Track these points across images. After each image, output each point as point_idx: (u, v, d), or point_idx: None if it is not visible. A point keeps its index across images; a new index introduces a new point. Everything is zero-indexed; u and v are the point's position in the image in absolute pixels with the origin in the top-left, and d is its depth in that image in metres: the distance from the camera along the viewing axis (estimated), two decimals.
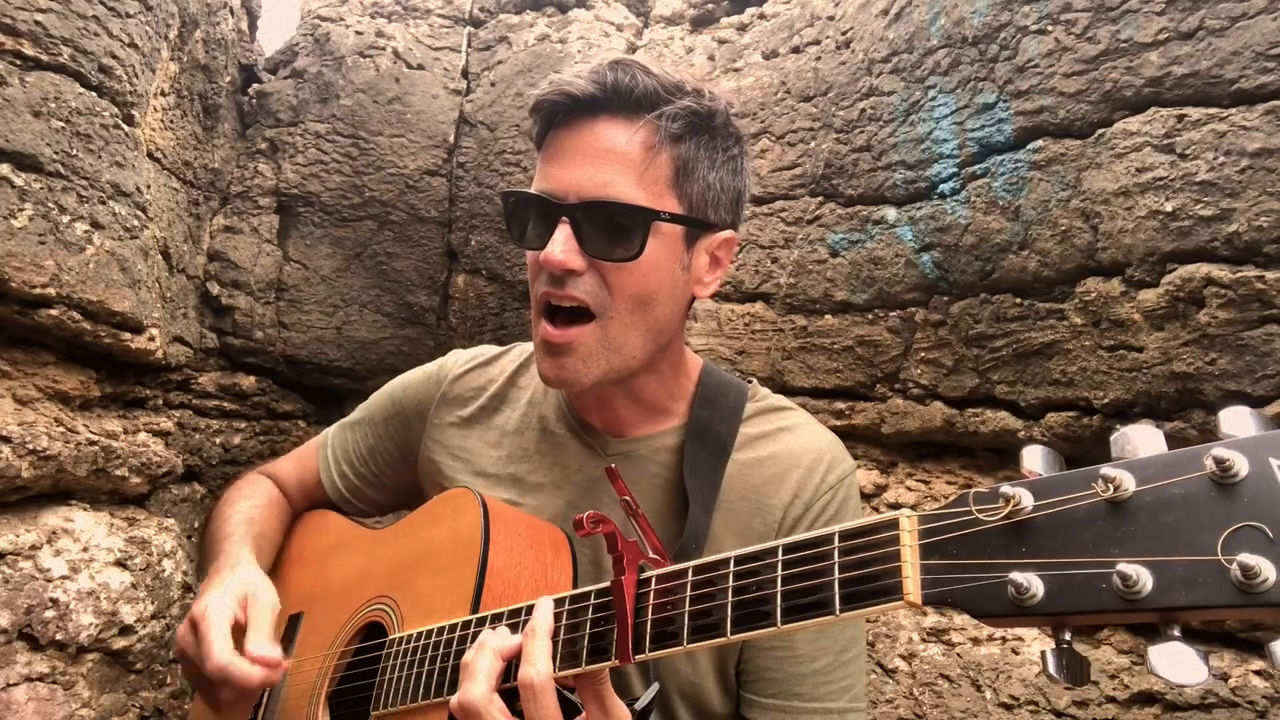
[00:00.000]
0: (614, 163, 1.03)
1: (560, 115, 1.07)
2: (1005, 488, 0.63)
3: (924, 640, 2.18)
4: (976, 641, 2.10)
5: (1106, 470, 0.59)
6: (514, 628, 0.93)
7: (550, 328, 1.06)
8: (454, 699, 0.88)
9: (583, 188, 1.03)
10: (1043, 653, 0.61)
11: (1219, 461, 0.54)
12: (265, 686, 1.07)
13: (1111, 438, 0.62)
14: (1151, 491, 0.57)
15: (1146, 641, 1.92)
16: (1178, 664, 0.54)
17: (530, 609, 0.92)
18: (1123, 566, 0.55)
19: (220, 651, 1.04)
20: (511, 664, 0.89)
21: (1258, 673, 1.70)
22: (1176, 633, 0.55)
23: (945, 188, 2.17)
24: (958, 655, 2.11)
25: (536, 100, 1.09)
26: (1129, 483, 0.58)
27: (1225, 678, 1.71)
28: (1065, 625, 0.61)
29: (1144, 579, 0.55)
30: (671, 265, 1.08)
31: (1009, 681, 1.99)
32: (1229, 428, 0.57)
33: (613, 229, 1.03)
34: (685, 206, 1.08)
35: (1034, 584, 0.59)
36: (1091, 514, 0.59)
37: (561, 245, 1.02)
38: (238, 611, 1.10)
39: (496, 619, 0.96)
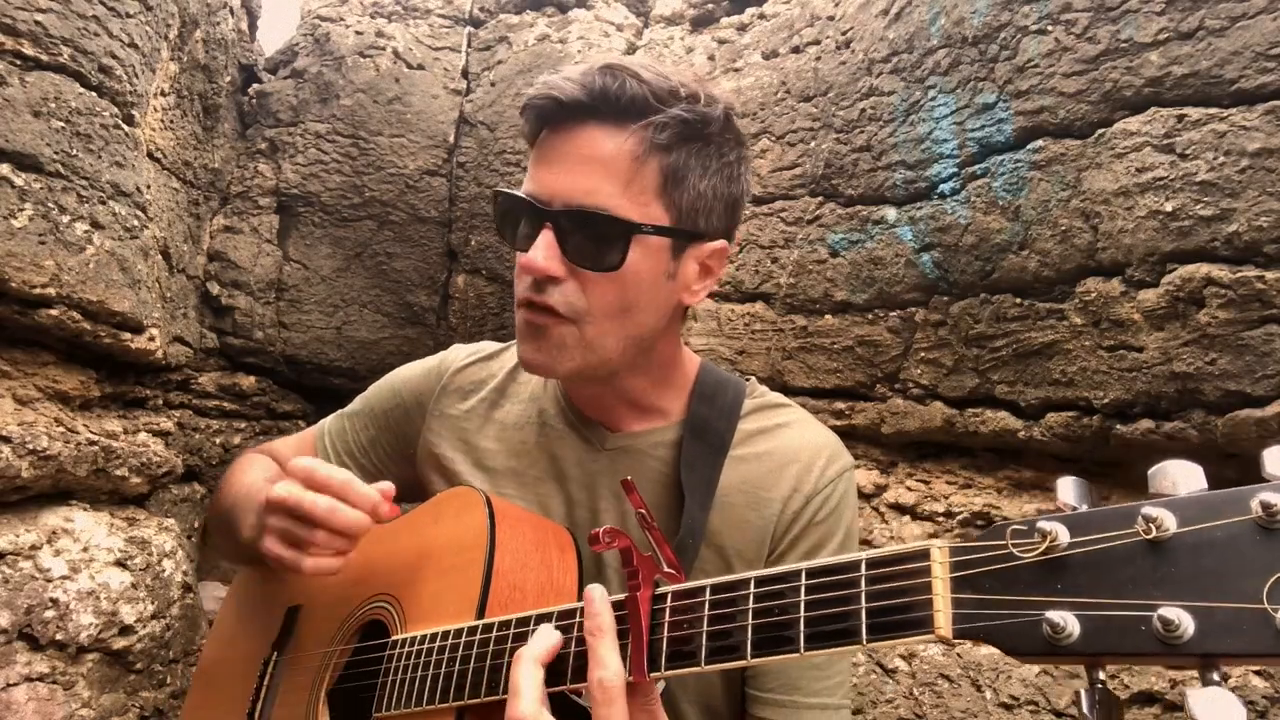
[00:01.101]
0: (599, 170, 1.02)
1: (549, 117, 1.07)
2: (1042, 523, 0.61)
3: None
4: (977, 641, 2.10)
5: (1148, 510, 0.57)
6: (521, 637, 0.92)
7: (530, 313, 1.07)
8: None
9: (567, 194, 1.03)
10: (1076, 692, 0.60)
11: (1266, 506, 0.53)
12: (382, 508, 1.09)
13: (1150, 472, 0.60)
14: (1194, 533, 0.56)
15: None
16: (1219, 710, 0.53)
17: (541, 618, 0.92)
18: (1164, 610, 0.54)
19: (338, 470, 1.07)
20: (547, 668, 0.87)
21: (1258, 673, 1.70)
22: (1216, 677, 0.55)
23: (945, 188, 2.18)
24: (958, 655, 2.11)
25: (526, 101, 1.09)
26: (1170, 523, 0.57)
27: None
28: (1100, 665, 0.60)
29: (1186, 624, 0.54)
30: (655, 275, 1.07)
31: (1009, 681, 1.99)
32: (1274, 468, 0.55)
33: (594, 239, 1.03)
34: (673, 216, 1.06)
35: (1070, 623, 0.58)
36: (1130, 553, 0.58)
37: (544, 251, 1.02)
38: None
39: (505, 626, 0.96)
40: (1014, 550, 0.62)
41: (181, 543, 2.39)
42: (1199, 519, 0.56)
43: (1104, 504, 0.62)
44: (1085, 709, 0.59)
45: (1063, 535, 0.61)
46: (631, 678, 0.81)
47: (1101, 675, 0.60)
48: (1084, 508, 0.63)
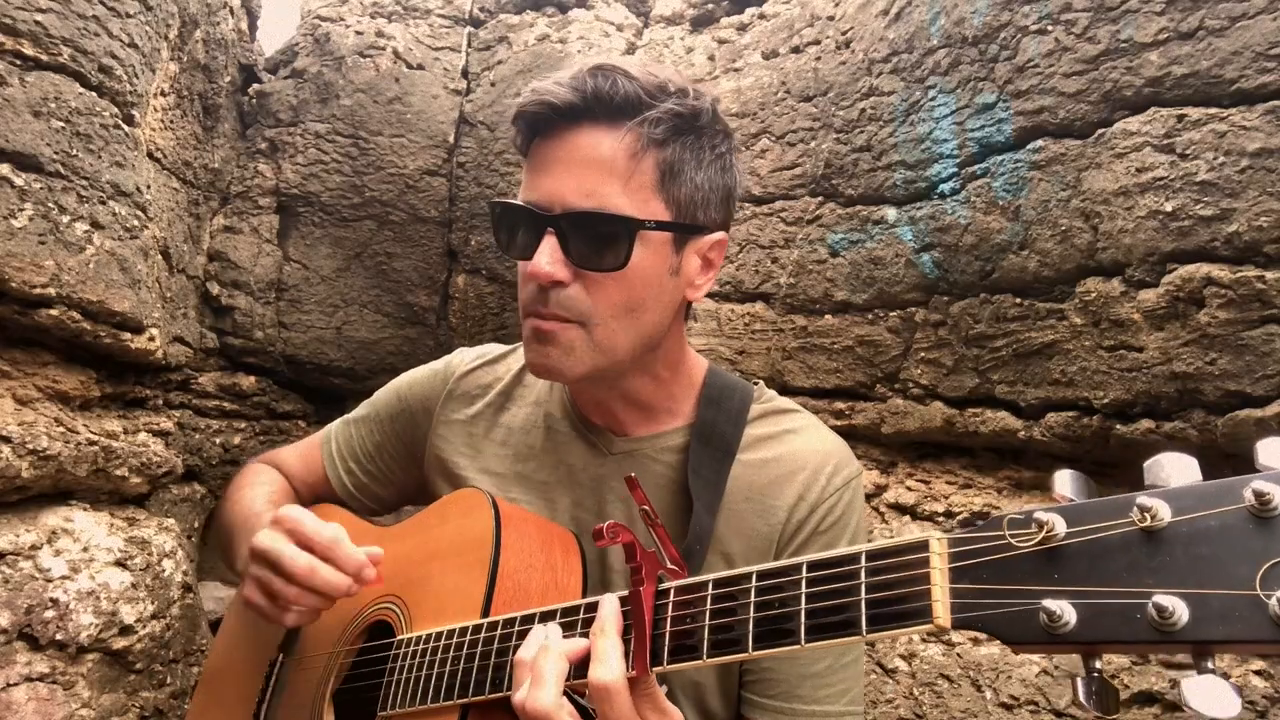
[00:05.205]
0: (598, 171, 1.02)
1: (542, 124, 1.06)
2: (1039, 513, 0.62)
3: (924, 640, 2.18)
4: (976, 641, 2.10)
5: (1143, 499, 0.58)
6: (525, 635, 0.92)
7: (537, 320, 1.06)
8: (519, 700, 0.84)
9: (567, 198, 1.02)
10: (1073, 680, 0.61)
11: (1259, 495, 0.54)
12: (362, 575, 1.08)
13: (1146, 464, 0.61)
14: (1188, 522, 0.57)
15: None
16: (1212, 698, 0.53)
17: (545, 615, 0.92)
18: (1159, 598, 0.55)
19: (327, 527, 1.07)
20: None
21: (1258, 673, 1.70)
22: (1210, 665, 0.55)
23: (945, 188, 2.18)
24: (958, 655, 2.11)
25: (518, 109, 1.08)
26: (1165, 512, 0.57)
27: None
28: (1096, 653, 0.60)
29: (1180, 611, 0.55)
30: (660, 271, 1.07)
31: (1009, 681, 1.99)
32: (1267, 459, 0.56)
33: (598, 239, 1.03)
34: (673, 211, 1.06)
35: (1066, 612, 0.59)
36: (1126, 543, 0.58)
37: (548, 257, 1.02)
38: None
39: (509, 624, 0.96)
40: (1011, 541, 0.63)
41: (181, 543, 2.39)
42: (1193, 508, 0.57)
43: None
44: (1082, 697, 0.60)
45: (1059, 526, 0.61)
46: (634, 672, 0.81)
47: (1098, 664, 0.61)
48: (1081, 500, 0.63)
